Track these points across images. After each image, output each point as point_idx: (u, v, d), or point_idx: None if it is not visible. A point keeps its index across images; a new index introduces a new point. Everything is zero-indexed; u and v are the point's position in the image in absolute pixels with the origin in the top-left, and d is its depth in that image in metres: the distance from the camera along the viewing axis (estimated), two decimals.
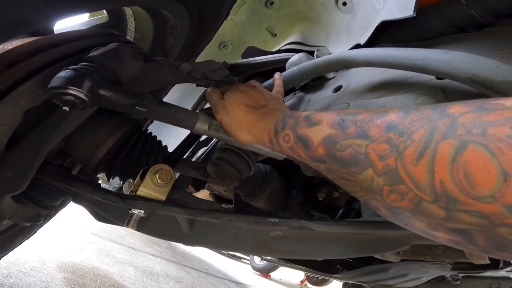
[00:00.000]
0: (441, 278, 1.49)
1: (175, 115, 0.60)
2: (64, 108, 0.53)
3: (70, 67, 0.54)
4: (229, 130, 0.61)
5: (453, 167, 0.26)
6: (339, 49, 1.14)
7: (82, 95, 0.51)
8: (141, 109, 0.56)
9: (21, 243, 1.11)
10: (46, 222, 1.13)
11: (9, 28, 0.50)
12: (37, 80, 0.57)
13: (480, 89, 0.49)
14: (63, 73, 0.52)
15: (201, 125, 0.62)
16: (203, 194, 1.41)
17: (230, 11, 1.13)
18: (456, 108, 0.29)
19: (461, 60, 0.51)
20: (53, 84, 0.51)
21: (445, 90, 0.59)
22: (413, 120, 0.31)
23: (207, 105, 0.74)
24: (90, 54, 0.59)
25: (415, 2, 0.71)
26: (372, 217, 0.72)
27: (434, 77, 0.63)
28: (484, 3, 0.76)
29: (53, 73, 0.55)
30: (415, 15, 0.71)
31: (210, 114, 0.67)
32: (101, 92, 0.53)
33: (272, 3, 1.40)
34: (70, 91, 0.50)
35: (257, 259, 5.63)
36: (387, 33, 0.97)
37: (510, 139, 0.24)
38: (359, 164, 0.34)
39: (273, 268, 5.78)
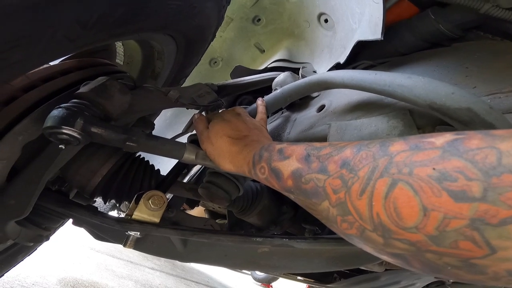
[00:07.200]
0: (441, 283, 1.51)
1: (163, 148, 0.64)
2: (60, 146, 0.56)
3: (62, 106, 0.57)
4: (213, 159, 0.64)
5: (386, 202, 0.30)
6: (322, 66, 1.17)
7: (75, 134, 0.54)
8: (131, 144, 0.59)
9: (22, 260, 1.14)
10: (46, 240, 1.16)
11: None
12: (33, 117, 0.60)
13: (438, 116, 0.52)
14: (56, 112, 0.55)
15: (189, 155, 0.67)
16: (198, 210, 1.44)
17: (217, 32, 1.16)
18: (396, 147, 0.33)
19: (421, 86, 0.54)
20: (48, 124, 0.54)
21: (413, 112, 0.62)
22: (362, 158, 0.35)
23: None
24: (79, 91, 0.62)
25: (382, 27, 0.75)
26: None
27: None
28: (451, 17, 0.79)
29: (47, 110, 0.58)
30: (382, 39, 0.75)
31: (197, 141, 0.71)
32: (93, 129, 0.56)
33: (259, 19, 1.44)
34: (64, 131, 0.54)
35: None
36: (366, 50, 1.00)
37: (431, 178, 0.28)
38: (319, 196, 0.39)
39: (274, 278, 5.71)
